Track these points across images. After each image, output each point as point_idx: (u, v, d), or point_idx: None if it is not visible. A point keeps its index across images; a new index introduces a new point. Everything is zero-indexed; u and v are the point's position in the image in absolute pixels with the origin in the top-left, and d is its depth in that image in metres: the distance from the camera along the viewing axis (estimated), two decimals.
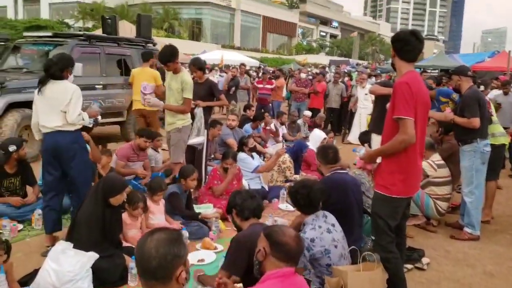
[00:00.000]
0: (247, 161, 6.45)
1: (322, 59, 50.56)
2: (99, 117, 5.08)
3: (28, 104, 7.59)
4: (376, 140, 5.93)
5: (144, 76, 7.95)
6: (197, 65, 6.13)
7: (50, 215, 4.48)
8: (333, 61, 40.78)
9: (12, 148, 5.06)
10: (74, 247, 3.76)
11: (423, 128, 3.46)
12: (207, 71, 18.54)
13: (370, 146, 5.76)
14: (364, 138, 6.63)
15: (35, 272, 3.65)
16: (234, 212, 3.47)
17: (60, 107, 4.27)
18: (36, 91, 4.34)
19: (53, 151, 4.36)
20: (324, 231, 3.50)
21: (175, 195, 4.98)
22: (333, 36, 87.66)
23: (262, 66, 29.25)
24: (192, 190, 5.36)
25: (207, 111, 6.11)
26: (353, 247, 3.61)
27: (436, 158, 5.58)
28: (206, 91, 6.00)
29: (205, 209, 5.50)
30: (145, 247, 1.88)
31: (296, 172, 7.02)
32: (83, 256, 3.64)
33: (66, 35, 9.40)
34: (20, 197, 5.21)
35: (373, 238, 3.74)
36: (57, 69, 4.31)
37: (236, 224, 3.53)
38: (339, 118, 12.82)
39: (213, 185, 5.80)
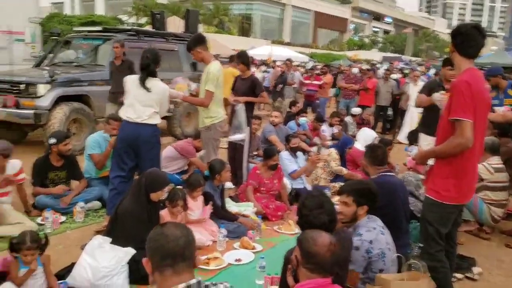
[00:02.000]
0: (286, 163, 6.23)
1: (374, 55, 49.33)
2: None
3: (77, 98, 7.83)
4: (424, 140, 5.62)
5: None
6: (241, 58, 5.99)
7: (115, 198, 4.56)
8: (386, 58, 39.75)
9: (52, 140, 5.13)
10: (113, 241, 3.75)
11: (482, 131, 3.20)
12: (254, 67, 18.46)
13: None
14: (412, 137, 6.31)
15: (72, 266, 3.66)
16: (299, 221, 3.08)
17: (150, 102, 4.56)
18: (131, 85, 4.58)
19: (133, 141, 4.58)
20: (378, 233, 3.32)
21: (208, 195, 4.88)
22: (386, 32, 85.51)
23: (313, 62, 28.86)
24: (227, 186, 5.26)
25: (250, 108, 5.97)
26: (398, 254, 3.39)
27: (494, 161, 5.19)
28: (248, 87, 5.86)
29: (245, 207, 5.39)
30: (167, 231, 1.90)
31: None
32: (120, 252, 3.62)
33: (115, 30, 9.54)
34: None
35: (420, 245, 3.50)
36: (154, 67, 4.58)
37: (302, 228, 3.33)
38: (389, 116, 12.40)
39: (248, 184, 5.67)
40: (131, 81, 4.62)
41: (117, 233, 3.79)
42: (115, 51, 7.79)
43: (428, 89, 5.49)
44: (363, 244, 3.22)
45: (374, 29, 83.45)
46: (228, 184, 6.36)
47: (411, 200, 4.58)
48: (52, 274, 3.48)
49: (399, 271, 3.36)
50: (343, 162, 6.90)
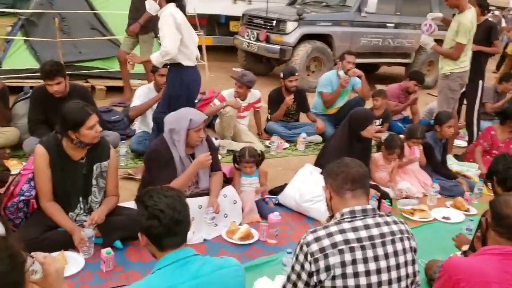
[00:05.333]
0: None
1: None
2: None
3: (320, 37, 8.20)
4: None
5: None
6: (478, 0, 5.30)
7: None
8: None
9: (281, 74, 5.69)
10: (321, 173, 4.01)
11: None
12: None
13: None
14: None
15: (284, 186, 4.09)
16: (495, 180, 3.04)
17: None
18: None
19: None
20: None
21: (428, 147, 4.66)
22: None
23: None
24: (457, 144, 4.91)
25: (481, 58, 5.30)
26: None
27: None
28: (481, 34, 5.16)
29: (468, 167, 4.99)
30: (347, 161, 2.16)
31: None
32: None
33: None
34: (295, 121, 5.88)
35: None
36: None
37: (496, 193, 3.10)
38: None
39: (478, 144, 5.14)
40: None
41: (323, 164, 4.01)
42: None
43: None
44: None
45: None
46: (459, 142, 5.98)
47: None
48: (265, 184, 4.02)
49: None
50: None
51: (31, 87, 5.06)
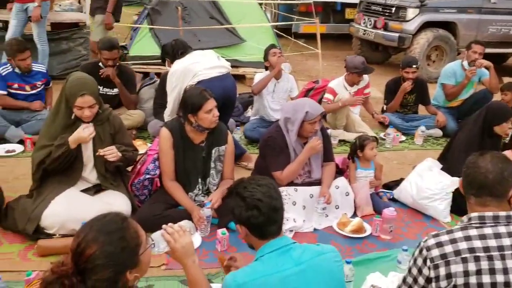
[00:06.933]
0: None
1: None
2: None
3: (443, 25, 7.70)
4: None
5: None
6: None
7: None
8: None
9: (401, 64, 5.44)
10: (443, 168, 3.77)
11: None
12: None
13: None
14: None
15: (400, 181, 3.91)
16: None
17: None
18: None
19: None
20: None
21: None
22: None
23: None
24: None
25: None
26: None
27: None
28: None
29: None
30: (481, 163, 1.85)
31: None
32: (446, 179, 3.62)
33: None
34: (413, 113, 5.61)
35: None
36: None
37: None
38: None
39: None
40: None
41: (449, 160, 3.79)
42: None
43: None
44: None
45: None
46: None
47: None
48: (380, 179, 3.91)
49: None
50: None
51: (156, 73, 5.39)
